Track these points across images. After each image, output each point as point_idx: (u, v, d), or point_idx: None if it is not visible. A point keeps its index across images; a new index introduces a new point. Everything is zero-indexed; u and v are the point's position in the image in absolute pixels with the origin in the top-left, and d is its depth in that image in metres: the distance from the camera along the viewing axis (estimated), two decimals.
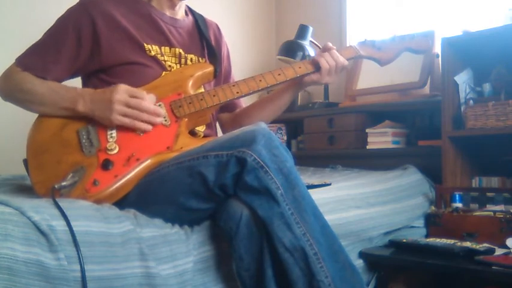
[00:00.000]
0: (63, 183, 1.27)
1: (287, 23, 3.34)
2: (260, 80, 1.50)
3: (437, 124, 2.15)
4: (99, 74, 1.50)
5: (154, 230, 1.24)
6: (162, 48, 1.53)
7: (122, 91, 1.36)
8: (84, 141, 1.37)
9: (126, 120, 1.36)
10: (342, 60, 1.55)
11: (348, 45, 2.98)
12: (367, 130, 2.47)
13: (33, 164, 1.38)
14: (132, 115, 1.36)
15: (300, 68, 1.55)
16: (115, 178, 1.30)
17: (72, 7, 1.50)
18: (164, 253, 1.22)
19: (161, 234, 1.24)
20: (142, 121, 1.37)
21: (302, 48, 2.73)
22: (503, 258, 1.54)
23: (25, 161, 1.41)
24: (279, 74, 1.52)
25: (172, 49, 1.55)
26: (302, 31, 2.80)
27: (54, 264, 1.04)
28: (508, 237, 1.65)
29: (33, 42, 1.49)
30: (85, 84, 1.55)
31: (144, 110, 1.36)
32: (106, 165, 1.31)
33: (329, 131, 2.61)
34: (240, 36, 3.25)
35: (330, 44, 1.57)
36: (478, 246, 1.62)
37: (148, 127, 1.38)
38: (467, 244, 1.65)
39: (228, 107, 1.71)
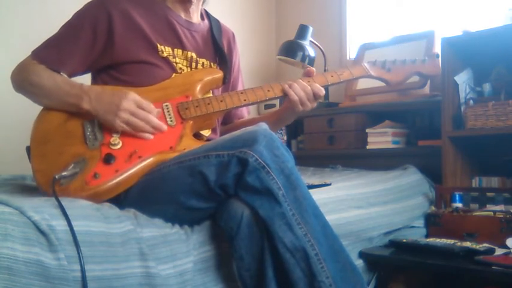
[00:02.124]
0: (64, 173, 1.27)
1: (287, 23, 3.34)
2: (268, 90, 1.50)
3: (437, 124, 2.15)
4: (109, 70, 1.50)
5: (154, 230, 1.24)
6: (175, 50, 1.53)
7: (131, 100, 1.36)
8: (88, 133, 1.37)
9: (128, 129, 1.36)
10: (310, 90, 1.48)
11: (348, 47, 2.99)
12: (367, 130, 2.47)
13: (35, 153, 1.38)
14: (135, 125, 1.36)
15: (308, 81, 1.53)
16: (116, 173, 1.30)
17: (90, 2, 1.51)
18: (164, 253, 1.22)
19: (161, 234, 1.24)
20: (145, 132, 1.37)
21: (302, 48, 2.74)
22: (503, 258, 1.54)
23: (28, 149, 1.41)
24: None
25: (185, 52, 1.55)
26: (302, 31, 2.80)
27: (54, 264, 1.04)
28: (508, 237, 1.65)
29: (36, 44, 1.50)
30: (94, 79, 1.55)
31: (151, 123, 1.37)
32: (108, 159, 1.31)
33: (329, 131, 2.61)
34: (240, 36, 3.23)
35: (310, 70, 1.54)
36: (478, 246, 1.62)
37: (150, 137, 1.38)
38: (467, 244, 1.65)
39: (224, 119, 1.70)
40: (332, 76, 1.57)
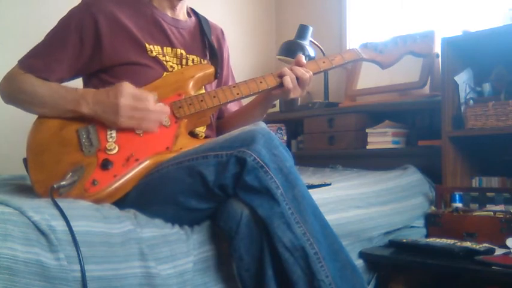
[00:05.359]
0: (62, 183, 1.27)
1: (287, 23, 3.34)
2: (261, 82, 1.49)
3: (437, 124, 2.15)
4: (100, 74, 1.49)
5: (154, 230, 1.24)
6: (164, 48, 1.53)
7: (127, 95, 1.34)
8: (84, 140, 1.37)
9: (133, 123, 1.35)
10: (302, 74, 1.48)
11: (348, 47, 2.99)
12: (367, 130, 2.47)
13: (32, 164, 1.38)
14: (139, 118, 1.35)
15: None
16: (114, 178, 1.30)
17: (74, 7, 1.50)
18: (164, 253, 1.22)
19: (161, 234, 1.24)
20: (149, 122, 1.36)
21: (302, 48, 2.74)
22: (503, 258, 1.54)
23: (25, 160, 1.40)
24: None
25: (174, 49, 1.55)
26: (302, 31, 2.80)
27: (54, 264, 1.04)
28: (508, 237, 1.65)
29: (35, 44, 1.49)
30: (86, 84, 1.55)
31: (152, 111, 1.36)
32: (105, 165, 1.31)
33: (329, 131, 2.61)
34: (240, 36, 3.25)
35: (302, 59, 1.52)
36: (478, 246, 1.62)
37: (155, 128, 1.37)
38: (467, 244, 1.65)
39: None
40: (324, 62, 1.56)
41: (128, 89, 1.36)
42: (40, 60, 1.46)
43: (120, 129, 1.37)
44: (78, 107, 1.37)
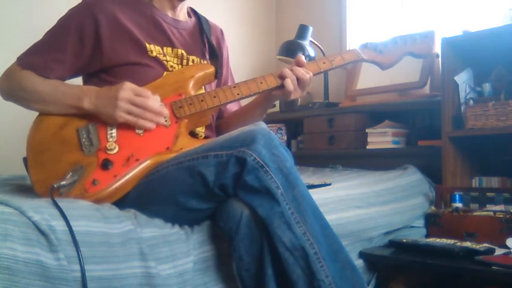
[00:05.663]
0: (62, 183, 1.26)
1: (287, 23, 3.34)
2: (261, 82, 1.49)
3: (437, 124, 2.15)
4: (100, 74, 1.49)
5: (154, 230, 1.24)
6: (164, 48, 1.53)
7: (128, 89, 1.36)
8: (84, 140, 1.37)
9: (130, 118, 1.35)
10: (302, 74, 1.48)
11: (348, 47, 2.99)
12: (367, 130, 2.47)
13: (33, 163, 1.38)
14: (136, 113, 1.35)
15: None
16: (114, 178, 1.30)
17: (74, 7, 1.50)
18: (164, 253, 1.22)
19: (161, 234, 1.24)
20: (146, 119, 1.37)
21: (302, 48, 2.74)
22: (503, 258, 1.54)
23: (25, 160, 1.40)
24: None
25: (175, 50, 1.55)
26: (302, 31, 2.80)
27: (54, 264, 1.04)
28: (508, 237, 1.65)
29: (34, 42, 1.49)
30: (85, 83, 1.54)
31: (149, 109, 1.36)
32: (105, 165, 1.31)
33: (329, 131, 2.61)
34: (240, 37, 3.25)
35: (302, 59, 1.52)
36: (478, 246, 1.62)
37: (152, 125, 1.37)
38: (467, 244, 1.65)
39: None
40: (324, 63, 1.56)
41: (129, 84, 1.37)
42: (40, 58, 1.46)
43: (120, 128, 1.37)
44: (80, 102, 1.38)
